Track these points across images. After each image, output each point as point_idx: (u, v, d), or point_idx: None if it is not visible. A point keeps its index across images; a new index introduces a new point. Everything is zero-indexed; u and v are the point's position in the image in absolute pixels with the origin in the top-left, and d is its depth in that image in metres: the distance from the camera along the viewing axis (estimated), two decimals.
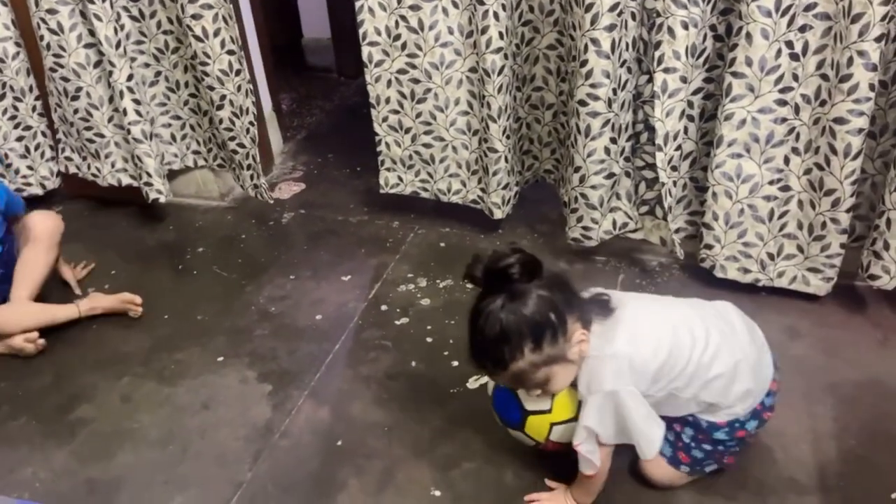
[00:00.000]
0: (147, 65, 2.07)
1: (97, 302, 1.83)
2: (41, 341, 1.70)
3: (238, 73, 1.97)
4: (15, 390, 1.62)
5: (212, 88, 1.97)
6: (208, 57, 1.92)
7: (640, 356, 1.12)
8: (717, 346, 1.15)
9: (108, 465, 1.42)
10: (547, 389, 1.15)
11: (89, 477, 1.40)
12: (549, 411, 1.20)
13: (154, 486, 1.37)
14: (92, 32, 1.93)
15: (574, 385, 1.17)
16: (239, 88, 1.99)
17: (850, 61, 1.40)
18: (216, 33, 1.89)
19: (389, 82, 1.88)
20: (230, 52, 1.93)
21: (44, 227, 1.83)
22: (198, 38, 1.89)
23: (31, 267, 1.79)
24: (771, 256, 1.70)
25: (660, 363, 1.13)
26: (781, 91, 1.52)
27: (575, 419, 1.17)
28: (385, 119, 1.96)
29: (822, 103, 1.50)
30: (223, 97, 1.98)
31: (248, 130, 2.04)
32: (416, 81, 1.85)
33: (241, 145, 2.07)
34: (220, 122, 2.03)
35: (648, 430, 1.13)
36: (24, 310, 1.73)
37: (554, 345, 1.08)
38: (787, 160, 1.60)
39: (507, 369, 1.10)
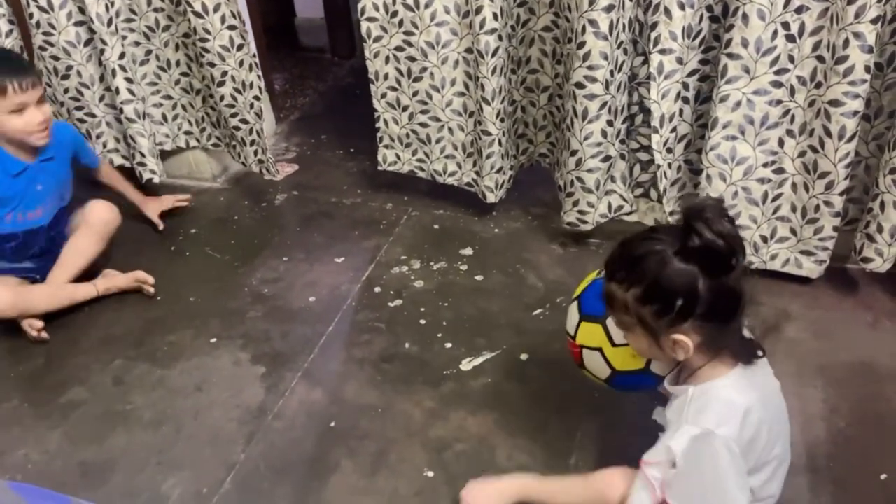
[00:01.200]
0: (137, 43, 2.04)
1: (113, 281, 1.84)
2: (44, 335, 1.69)
3: (240, 48, 1.94)
4: (7, 372, 1.62)
5: (212, 65, 1.94)
6: (208, 33, 1.89)
7: (755, 418, 0.98)
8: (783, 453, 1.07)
9: (101, 447, 1.42)
10: (625, 336, 1.06)
11: (82, 459, 1.40)
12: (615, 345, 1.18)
13: (147, 467, 1.37)
14: (82, 10, 1.90)
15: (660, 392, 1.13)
16: (241, 63, 1.96)
17: (846, 43, 1.39)
18: (216, 8, 1.86)
19: (388, 59, 1.87)
20: (231, 28, 1.90)
21: (100, 216, 1.85)
22: (197, 14, 1.86)
23: (77, 254, 1.81)
24: (764, 239, 1.70)
25: (760, 447, 0.99)
26: (777, 73, 1.51)
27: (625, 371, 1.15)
28: (384, 95, 1.94)
29: (818, 85, 1.49)
30: (224, 73, 1.96)
31: (251, 105, 2.02)
32: (413, 59, 1.84)
33: (244, 121, 2.04)
34: (221, 98, 2.00)
35: (737, 496, 0.95)
36: (50, 291, 1.75)
37: (655, 318, 0.96)
38: (781, 142, 1.59)
39: (614, 283, 1.00)
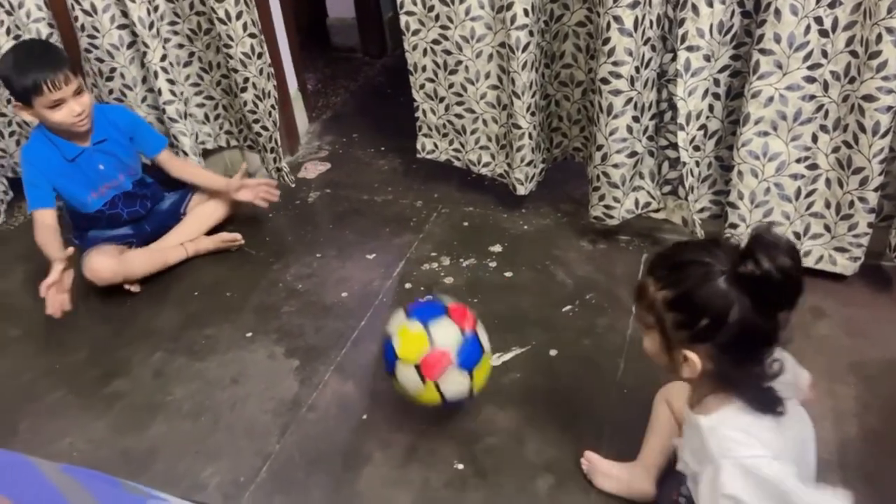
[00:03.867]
0: (181, 45, 2.10)
1: (201, 244, 1.99)
2: (135, 289, 1.89)
3: (259, 56, 1.99)
4: (53, 365, 1.68)
5: (235, 71, 2.00)
6: (231, 40, 1.94)
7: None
8: None
9: (143, 436, 1.47)
10: (643, 334, 1.02)
11: (125, 447, 1.45)
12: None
13: (186, 456, 1.42)
14: (125, 13, 1.97)
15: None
16: (261, 72, 2.01)
17: (879, 38, 1.38)
18: (238, 16, 1.91)
19: (425, 51, 1.91)
20: (251, 35, 1.95)
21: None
22: (221, 21, 1.92)
23: (204, 219, 2.03)
24: (797, 236, 1.69)
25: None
26: (810, 68, 1.50)
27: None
28: (422, 86, 1.98)
29: (852, 80, 1.48)
30: (246, 80, 2.01)
31: (269, 114, 2.07)
32: (449, 53, 1.87)
33: (265, 128, 2.10)
34: (245, 104, 2.06)
35: (811, 497, 0.89)
36: (146, 256, 1.91)
37: (675, 327, 0.93)
38: (815, 138, 1.58)
39: (651, 278, 0.96)
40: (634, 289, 1.00)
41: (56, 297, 1.66)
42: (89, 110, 1.76)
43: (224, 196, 2.04)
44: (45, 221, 1.77)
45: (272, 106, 2.07)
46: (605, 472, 1.28)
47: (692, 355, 0.92)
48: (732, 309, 0.87)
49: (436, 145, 2.09)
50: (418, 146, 2.11)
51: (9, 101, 2.16)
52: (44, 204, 1.78)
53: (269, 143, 2.13)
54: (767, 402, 0.94)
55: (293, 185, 2.23)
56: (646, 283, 0.97)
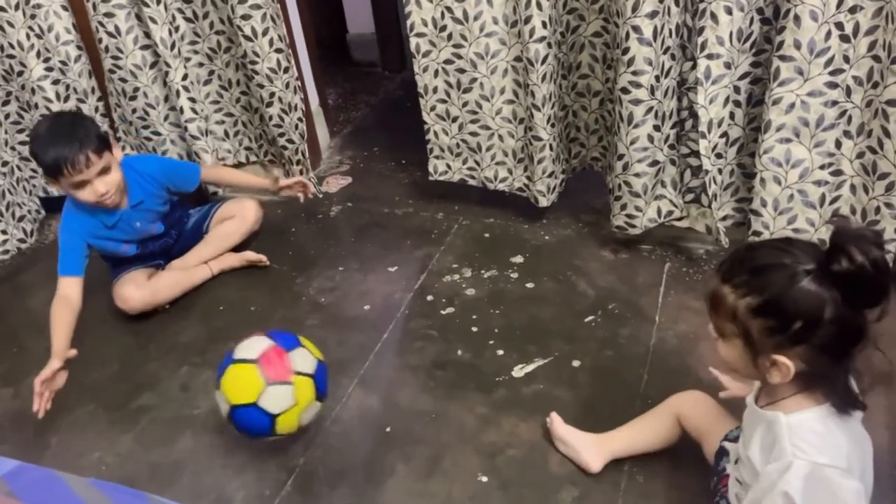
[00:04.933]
0: (201, 64, 2.14)
1: (226, 262, 2.02)
2: (166, 305, 1.92)
3: (286, 70, 2.03)
4: (83, 379, 1.71)
5: (261, 86, 2.03)
6: (257, 56, 1.98)
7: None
8: None
9: (170, 450, 1.49)
10: (718, 341, 0.99)
11: (152, 461, 1.47)
12: (296, 404, 1.28)
13: (213, 469, 1.43)
14: (147, 35, 2.02)
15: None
16: (287, 86, 2.04)
17: None
18: (265, 32, 1.95)
19: (437, 72, 1.91)
20: (278, 51, 1.99)
21: (255, 215, 2.10)
22: (247, 38, 1.95)
23: (226, 238, 2.04)
24: (822, 243, 1.66)
25: None
26: (832, 73, 1.49)
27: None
28: (433, 108, 1.99)
29: (875, 85, 1.46)
30: (272, 94, 2.04)
31: (296, 126, 2.11)
32: (462, 71, 1.88)
33: (291, 141, 2.13)
34: (270, 119, 2.09)
35: None
36: (173, 281, 1.92)
37: (764, 334, 0.89)
38: (838, 144, 1.56)
39: (729, 286, 0.93)
40: (707, 298, 0.97)
41: (43, 395, 1.50)
42: (116, 188, 1.72)
43: (249, 223, 2.07)
44: (68, 294, 1.69)
45: (299, 119, 2.11)
46: (561, 436, 1.35)
47: (784, 360, 0.89)
48: (826, 308, 0.84)
49: (448, 166, 2.09)
50: (430, 168, 2.11)
51: None
52: (73, 272, 1.73)
53: (296, 156, 2.16)
54: (851, 402, 0.92)
55: (321, 196, 2.25)
56: (721, 292, 0.93)
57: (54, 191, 1.74)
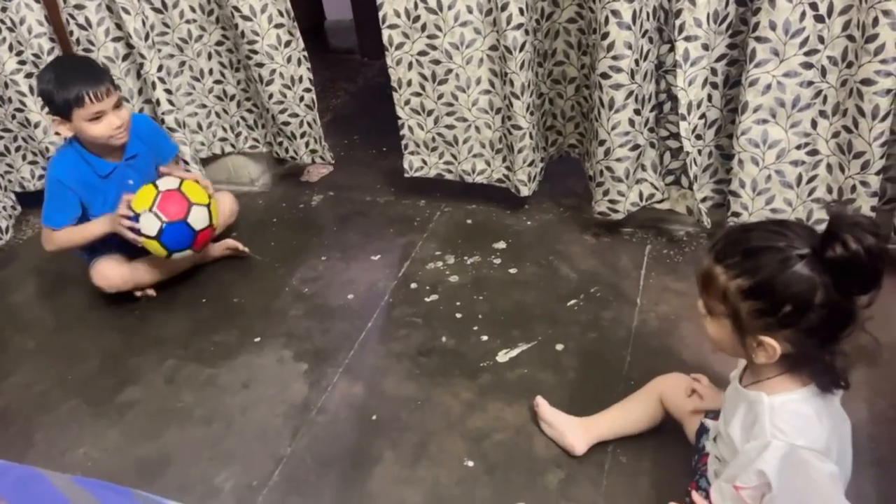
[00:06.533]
0: (171, 55, 2.11)
1: (208, 252, 1.99)
2: (152, 293, 1.93)
3: (287, 44, 2.01)
4: (65, 375, 1.70)
5: (261, 65, 2.01)
6: (257, 34, 1.96)
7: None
8: None
9: (156, 444, 1.49)
10: (706, 318, 0.98)
11: (138, 455, 1.47)
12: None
13: (200, 461, 1.43)
14: (119, 26, 1.99)
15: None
16: (289, 60, 2.03)
17: (876, 21, 1.38)
18: (263, 9, 1.94)
19: (410, 65, 1.90)
20: (277, 26, 1.97)
21: (231, 208, 2.10)
22: (245, 18, 1.93)
23: None
24: (800, 222, 1.69)
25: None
26: (807, 54, 1.50)
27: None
28: (407, 102, 1.97)
29: (849, 65, 1.48)
30: (273, 71, 2.03)
31: (301, 98, 2.10)
32: (437, 63, 1.86)
33: (294, 115, 2.11)
34: (270, 97, 2.07)
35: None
36: (155, 263, 1.89)
37: (753, 316, 0.90)
38: (814, 124, 1.58)
39: (721, 266, 0.93)
40: (699, 276, 0.97)
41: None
42: (127, 124, 1.76)
43: (224, 216, 2.05)
44: (54, 237, 1.80)
45: (305, 90, 2.10)
46: (548, 419, 1.37)
47: (771, 341, 0.90)
48: (817, 293, 0.85)
49: (424, 161, 2.08)
50: (406, 165, 2.09)
51: (13, 117, 2.19)
52: (58, 222, 1.78)
53: (300, 129, 2.15)
54: (834, 381, 0.93)
55: (332, 163, 2.24)
56: (714, 272, 0.93)
57: (59, 134, 1.71)
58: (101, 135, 1.71)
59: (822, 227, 0.87)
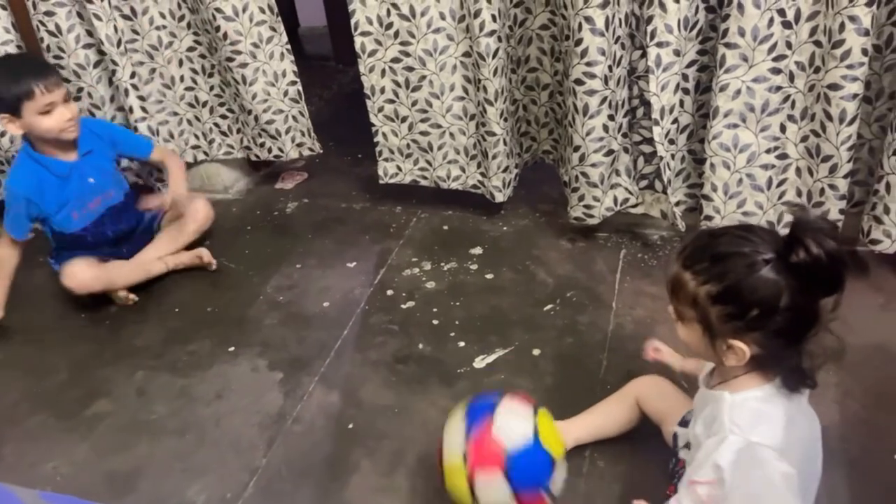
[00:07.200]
0: (141, 63, 2.09)
1: (180, 258, 1.99)
2: (132, 297, 1.89)
3: (270, 39, 1.99)
4: (33, 387, 1.66)
5: (244, 66, 1.99)
6: (240, 35, 1.94)
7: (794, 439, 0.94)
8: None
9: (128, 457, 1.46)
10: (678, 323, 1.00)
11: (109, 469, 1.44)
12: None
13: (173, 474, 1.41)
14: (90, 33, 1.96)
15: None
16: (272, 55, 2.01)
17: (842, 27, 1.40)
18: (245, 8, 1.92)
19: (383, 72, 1.89)
20: (260, 24, 1.95)
21: (206, 214, 2.05)
22: (228, 19, 1.91)
23: (177, 237, 2.01)
24: (771, 225, 1.71)
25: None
26: (775, 59, 1.52)
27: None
28: (381, 109, 1.97)
29: (817, 70, 1.50)
30: (256, 70, 2.01)
31: (286, 93, 2.08)
32: (410, 69, 1.86)
33: (279, 111, 2.09)
34: (254, 97, 2.05)
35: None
36: (128, 268, 1.90)
37: (722, 320, 0.91)
38: (783, 128, 1.60)
39: (690, 273, 0.94)
40: (668, 283, 0.98)
41: None
42: (77, 117, 1.77)
43: (199, 223, 2.04)
44: (6, 254, 1.80)
45: (290, 83, 2.08)
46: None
47: (741, 345, 0.91)
48: (783, 297, 0.86)
49: (399, 168, 2.07)
50: (380, 171, 2.08)
51: None
52: (16, 234, 1.80)
53: (286, 125, 2.13)
54: (801, 380, 0.95)
55: (320, 151, 2.22)
56: (682, 278, 0.94)
57: (12, 130, 1.73)
58: (52, 127, 1.71)
59: (786, 231, 0.88)
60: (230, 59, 2.00)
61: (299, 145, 2.18)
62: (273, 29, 1.99)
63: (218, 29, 1.94)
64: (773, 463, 0.91)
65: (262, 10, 1.95)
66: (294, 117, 2.13)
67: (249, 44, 1.97)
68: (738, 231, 0.92)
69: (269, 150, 2.19)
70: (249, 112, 2.10)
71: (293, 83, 2.09)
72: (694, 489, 0.95)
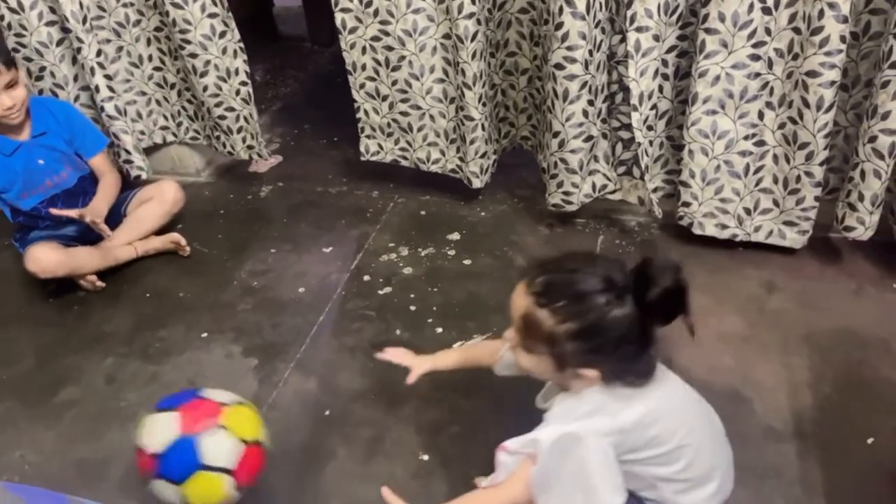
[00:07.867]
0: (108, 40, 2.02)
1: (151, 243, 1.95)
2: (99, 284, 1.84)
3: (223, 34, 1.93)
4: (0, 374, 1.62)
5: (194, 56, 1.93)
6: (189, 24, 1.88)
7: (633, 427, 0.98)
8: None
9: (97, 445, 1.42)
10: (519, 352, 1.03)
11: (79, 457, 1.40)
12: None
13: None
14: (53, 10, 1.89)
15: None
16: (224, 51, 1.96)
17: (821, 14, 1.40)
18: None
19: (364, 49, 1.86)
20: (211, 16, 1.89)
21: (174, 196, 1.99)
22: (176, 6, 1.85)
23: (144, 221, 1.95)
24: (748, 211, 1.72)
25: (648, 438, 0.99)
26: (754, 46, 1.52)
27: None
28: (362, 86, 1.94)
29: (795, 57, 1.50)
30: (207, 62, 1.95)
31: (238, 92, 2.02)
32: (390, 49, 1.83)
33: (230, 109, 2.04)
34: (205, 89, 2.00)
35: (606, 496, 0.96)
36: (95, 253, 1.84)
37: (578, 354, 0.96)
38: (761, 115, 1.61)
39: (547, 310, 0.95)
40: (520, 319, 0.99)
41: None
42: (22, 104, 1.72)
43: (168, 205, 1.99)
44: None
45: (241, 83, 2.02)
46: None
47: (590, 372, 0.96)
48: (635, 329, 0.93)
49: (380, 146, 2.05)
50: (362, 148, 2.06)
51: None
52: None
53: (237, 124, 2.07)
54: (641, 374, 0.99)
55: (270, 160, 2.17)
56: (537, 316, 0.96)
57: None
58: None
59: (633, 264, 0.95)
60: (181, 47, 1.94)
61: (250, 147, 2.13)
62: (225, 24, 1.93)
63: (167, 13, 1.88)
64: (595, 452, 0.95)
65: (214, 3, 1.88)
66: (245, 118, 2.08)
67: (200, 34, 1.91)
68: (588, 266, 0.97)
69: (224, 145, 2.15)
70: (203, 103, 2.05)
71: (244, 84, 2.03)
72: (499, 454, 1.02)
